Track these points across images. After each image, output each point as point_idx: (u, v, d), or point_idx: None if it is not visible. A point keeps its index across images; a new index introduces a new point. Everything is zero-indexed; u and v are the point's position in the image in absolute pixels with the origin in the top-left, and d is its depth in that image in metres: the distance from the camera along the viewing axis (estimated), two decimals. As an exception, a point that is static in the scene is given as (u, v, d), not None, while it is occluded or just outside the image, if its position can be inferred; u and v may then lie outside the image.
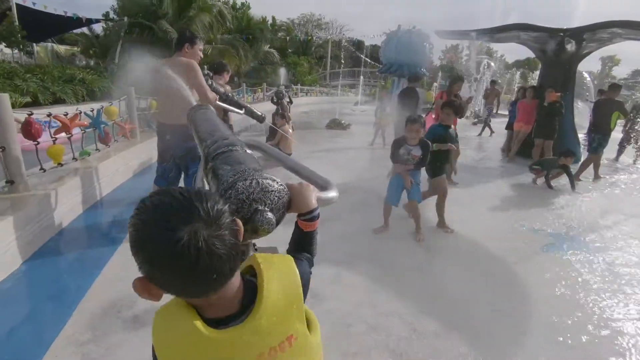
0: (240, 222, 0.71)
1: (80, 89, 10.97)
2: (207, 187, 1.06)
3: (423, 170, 3.53)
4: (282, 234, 1.01)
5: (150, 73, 3.17)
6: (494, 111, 12.38)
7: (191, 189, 0.66)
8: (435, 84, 20.32)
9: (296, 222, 0.99)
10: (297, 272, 0.79)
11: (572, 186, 5.39)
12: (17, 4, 13.47)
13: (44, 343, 1.94)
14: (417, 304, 2.45)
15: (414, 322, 2.27)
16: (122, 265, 2.64)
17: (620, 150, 8.45)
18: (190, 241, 0.57)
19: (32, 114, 3.28)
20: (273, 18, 30.13)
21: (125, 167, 4.82)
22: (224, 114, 4.25)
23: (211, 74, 3.66)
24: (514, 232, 3.82)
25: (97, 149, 4.43)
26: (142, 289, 0.63)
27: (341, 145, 8.40)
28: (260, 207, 0.86)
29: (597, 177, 6.23)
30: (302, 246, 0.99)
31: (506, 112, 10.05)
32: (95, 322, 2.11)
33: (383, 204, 3.56)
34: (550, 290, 2.76)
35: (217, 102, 3.24)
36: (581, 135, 7.80)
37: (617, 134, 7.54)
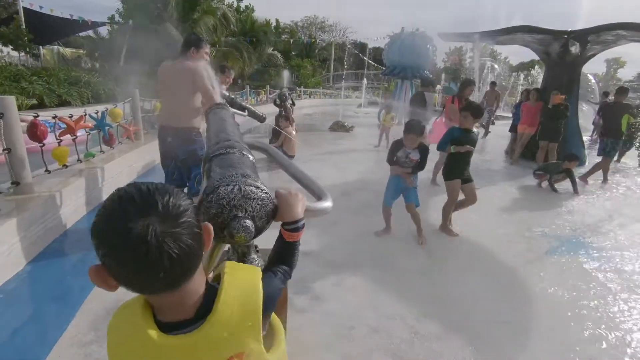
0: (209, 227, 0.70)
1: (85, 91, 11.07)
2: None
3: (421, 174, 3.51)
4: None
5: (155, 75, 3.18)
6: (494, 113, 12.30)
7: (160, 184, 0.65)
8: (438, 86, 20.28)
9: (280, 231, 0.98)
10: (260, 289, 0.75)
11: (575, 190, 5.36)
12: (24, 8, 13.65)
13: (48, 343, 1.95)
14: (419, 307, 2.44)
15: (416, 324, 2.26)
16: (125, 267, 2.64)
17: (621, 153, 8.38)
18: (141, 234, 0.56)
19: (37, 115, 3.32)
20: (277, 21, 30.32)
21: (129, 168, 4.86)
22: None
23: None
24: (517, 235, 3.79)
25: (101, 151, 4.47)
26: (96, 276, 0.62)
27: (344, 147, 8.40)
28: (240, 214, 0.87)
29: (605, 180, 6.20)
30: (282, 257, 0.97)
31: (506, 114, 9.99)
32: (98, 322, 2.11)
33: (382, 207, 3.55)
34: (554, 294, 2.74)
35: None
36: (585, 138, 7.75)
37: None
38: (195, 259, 0.65)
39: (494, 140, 10.52)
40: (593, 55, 7.67)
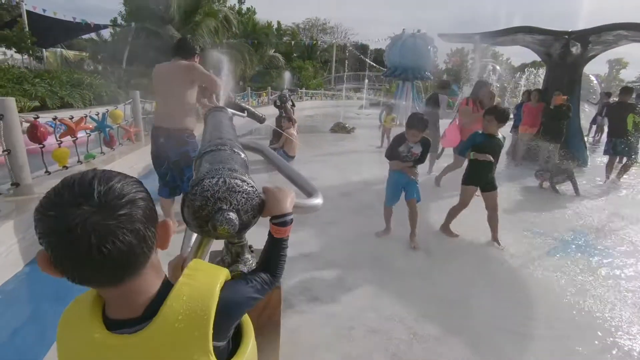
0: (168, 224, 0.66)
1: (87, 93, 11.11)
2: None
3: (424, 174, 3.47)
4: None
5: (153, 76, 3.17)
6: None
7: (109, 171, 0.62)
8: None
9: (269, 228, 0.96)
10: (215, 295, 0.68)
11: (576, 191, 5.34)
12: (27, 11, 13.74)
13: (46, 343, 1.95)
14: (419, 308, 2.43)
15: (415, 325, 2.25)
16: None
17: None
18: (69, 223, 0.54)
19: (38, 117, 3.33)
20: (278, 23, 30.38)
21: (130, 170, 4.86)
22: None
23: None
24: (518, 235, 3.77)
25: (102, 152, 4.48)
26: (41, 261, 0.60)
27: (345, 148, 8.40)
28: (224, 207, 0.86)
29: (607, 179, 6.19)
30: (268, 259, 0.94)
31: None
32: (96, 323, 2.11)
33: (383, 207, 3.54)
34: (554, 295, 2.72)
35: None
36: (587, 138, 7.71)
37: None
38: (134, 257, 0.60)
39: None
40: (594, 56, 7.64)
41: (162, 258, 0.77)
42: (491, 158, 3.30)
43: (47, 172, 3.45)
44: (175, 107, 2.98)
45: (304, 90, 22.75)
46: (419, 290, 2.68)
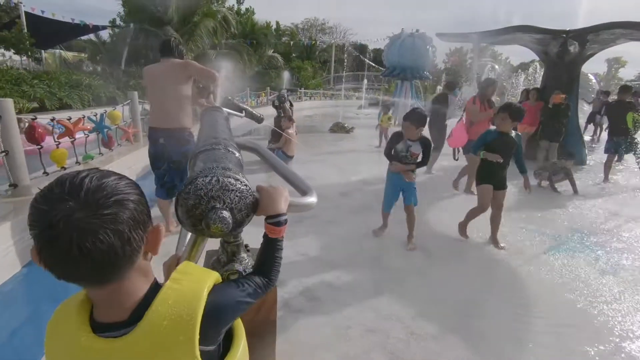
0: (159, 228, 0.65)
1: (86, 94, 11.10)
2: None
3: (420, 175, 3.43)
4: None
5: (144, 78, 3.11)
6: None
7: (107, 171, 0.62)
8: (438, 87, 20.28)
9: (264, 231, 0.95)
10: (202, 299, 0.67)
11: (575, 189, 5.34)
12: (26, 12, 13.73)
13: (44, 344, 1.95)
14: (416, 307, 2.43)
15: (412, 325, 2.25)
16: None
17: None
18: (52, 218, 0.54)
19: (35, 118, 3.33)
20: (277, 23, 30.37)
21: (128, 170, 4.86)
22: None
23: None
24: (518, 234, 3.77)
25: (100, 153, 4.48)
26: (32, 255, 0.60)
27: (344, 148, 8.41)
28: (217, 205, 0.86)
29: (606, 177, 6.18)
30: (263, 260, 0.93)
31: None
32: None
33: (381, 210, 3.53)
34: (554, 294, 2.72)
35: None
36: (587, 137, 7.71)
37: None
38: (116, 258, 0.59)
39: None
40: (592, 55, 7.65)
41: (158, 258, 0.77)
42: (501, 159, 3.20)
43: (45, 173, 3.45)
44: (172, 107, 2.96)
45: (303, 90, 22.76)
46: (417, 289, 2.68)
